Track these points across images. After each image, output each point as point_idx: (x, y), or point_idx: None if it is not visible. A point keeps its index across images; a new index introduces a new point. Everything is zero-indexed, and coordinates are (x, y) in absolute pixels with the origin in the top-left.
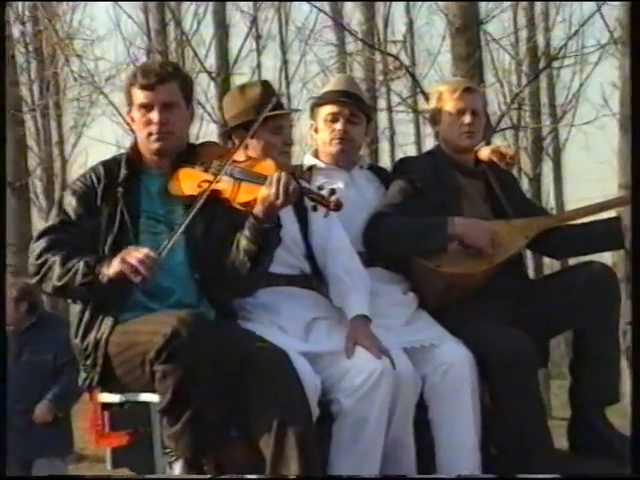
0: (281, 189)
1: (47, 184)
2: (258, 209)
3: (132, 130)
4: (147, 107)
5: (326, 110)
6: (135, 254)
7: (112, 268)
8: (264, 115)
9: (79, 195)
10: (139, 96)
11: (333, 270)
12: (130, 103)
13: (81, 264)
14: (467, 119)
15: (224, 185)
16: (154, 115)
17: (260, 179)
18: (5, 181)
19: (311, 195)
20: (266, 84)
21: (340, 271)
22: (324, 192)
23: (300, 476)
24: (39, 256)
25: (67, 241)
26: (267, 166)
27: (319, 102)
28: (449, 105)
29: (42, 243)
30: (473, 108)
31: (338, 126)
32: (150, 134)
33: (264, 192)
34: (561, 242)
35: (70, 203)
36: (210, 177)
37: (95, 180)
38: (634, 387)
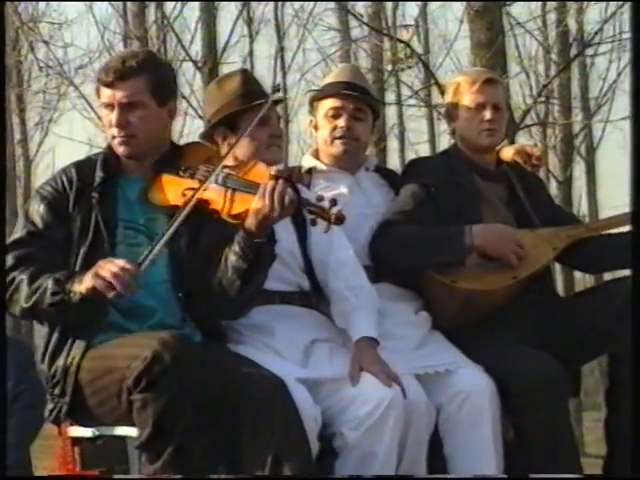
0: (276, 200)
1: (9, 187)
2: (250, 222)
3: None
4: (109, 107)
5: (327, 104)
6: (109, 267)
7: (84, 284)
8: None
9: (48, 202)
10: (102, 94)
11: (335, 286)
12: (99, 101)
13: (50, 281)
14: (487, 115)
15: (212, 194)
16: (113, 116)
17: (253, 188)
18: (5, 181)
19: (309, 207)
20: (245, 73)
21: (343, 287)
22: (324, 203)
23: (301, 476)
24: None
25: (36, 256)
26: (260, 172)
27: (319, 95)
28: (467, 99)
29: (8, 260)
30: (494, 102)
31: (340, 122)
32: (112, 137)
33: (257, 203)
34: (594, 254)
35: (38, 211)
36: (196, 184)
37: (67, 184)
38: (634, 387)
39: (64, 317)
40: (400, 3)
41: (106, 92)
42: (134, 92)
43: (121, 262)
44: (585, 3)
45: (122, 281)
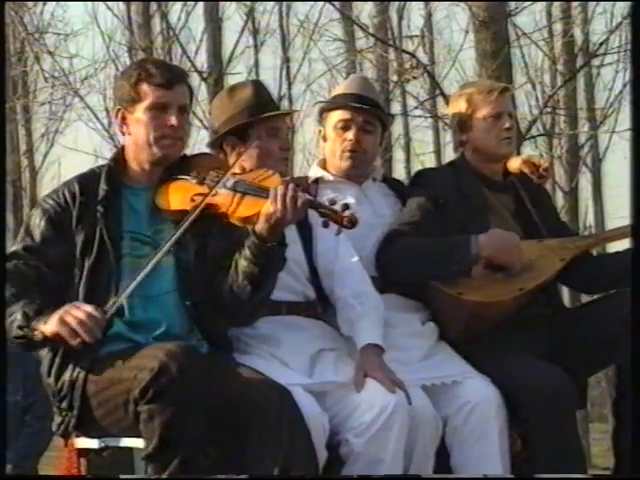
0: (288, 203)
1: (14, 199)
2: (261, 226)
3: (111, 137)
4: (163, 107)
5: (337, 116)
6: (75, 313)
7: (48, 326)
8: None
9: (49, 216)
10: (153, 94)
11: (341, 293)
12: (134, 101)
13: (19, 314)
14: (507, 123)
15: (221, 198)
16: (171, 117)
17: (263, 192)
18: (5, 183)
19: (322, 210)
20: (257, 83)
21: (349, 294)
22: (336, 206)
23: (309, 476)
24: None
25: (25, 272)
26: (270, 178)
27: (329, 107)
28: (485, 109)
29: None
30: (509, 111)
31: (350, 135)
32: (162, 137)
33: (269, 207)
34: (592, 274)
35: (38, 225)
36: (205, 190)
37: (69, 198)
38: (634, 386)
39: (27, 350)
40: (405, 13)
41: (162, 92)
42: (187, 96)
43: (88, 308)
44: (591, 14)
45: (86, 329)
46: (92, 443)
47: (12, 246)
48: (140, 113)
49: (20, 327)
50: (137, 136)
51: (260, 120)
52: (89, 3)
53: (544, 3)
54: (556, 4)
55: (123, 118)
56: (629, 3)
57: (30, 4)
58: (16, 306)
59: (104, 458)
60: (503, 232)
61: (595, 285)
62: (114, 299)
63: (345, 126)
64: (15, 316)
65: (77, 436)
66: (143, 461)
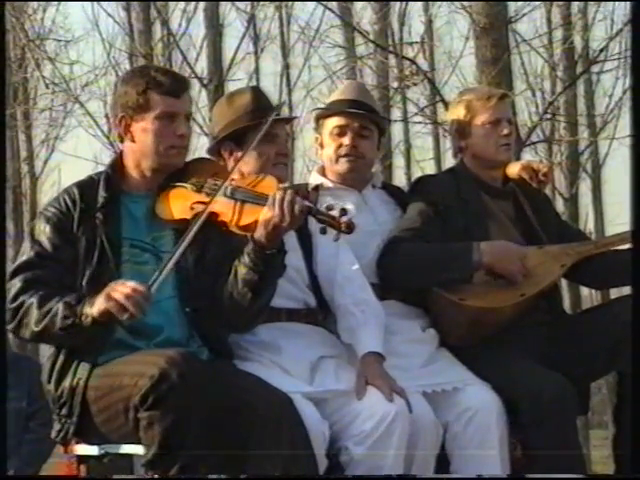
0: (286, 209)
1: (15, 205)
2: (260, 233)
3: (111, 144)
4: (171, 116)
5: (332, 122)
6: (121, 289)
7: (96, 307)
8: (262, 130)
9: (53, 222)
10: (163, 103)
11: (341, 302)
12: (141, 109)
13: (60, 305)
14: (505, 130)
15: (220, 206)
16: (180, 126)
17: (261, 198)
18: (5, 189)
19: (319, 216)
20: (256, 90)
21: (349, 302)
22: (334, 212)
23: (309, 475)
24: (14, 299)
25: (45, 278)
26: (268, 184)
27: (325, 113)
28: (484, 115)
29: (17, 283)
30: (508, 117)
31: (346, 140)
32: (171, 147)
33: (267, 213)
34: (601, 270)
35: (44, 232)
36: (204, 198)
37: (70, 204)
38: (635, 393)
39: (75, 340)
40: (405, 20)
41: (171, 101)
42: (191, 104)
43: (132, 284)
44: (591, 20)
45: (134, 302)
46: (92, 450)
47: (12, 253)
48: (148, 122)
49: (65, 317)
50: (143, 144)
51: (257, 126)
52: (90, 10)
53: (544, 10)
54: (556, 11)
55: (127, 125)
56: (629, 9)
57: (30, 10)
58: (51, 303)
59: (104, 465)
60: (506, 242)
61: (604, 280)
62: (155, 275)
63: (341, 132)
64: (56, 309)
65: (77, 443)
66: (143, 468)
